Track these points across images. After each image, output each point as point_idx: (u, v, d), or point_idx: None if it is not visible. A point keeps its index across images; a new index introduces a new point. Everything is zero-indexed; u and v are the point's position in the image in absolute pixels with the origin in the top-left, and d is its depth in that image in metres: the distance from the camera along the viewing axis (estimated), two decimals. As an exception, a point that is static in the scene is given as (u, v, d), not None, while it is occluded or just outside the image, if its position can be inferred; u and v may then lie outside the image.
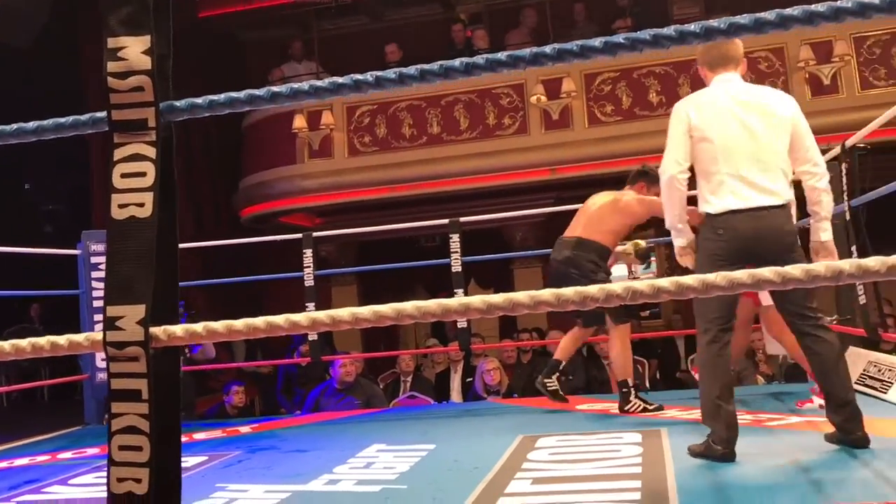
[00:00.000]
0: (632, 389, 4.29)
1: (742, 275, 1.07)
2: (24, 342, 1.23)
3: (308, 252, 5.77)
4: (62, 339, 1.24)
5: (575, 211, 4.68)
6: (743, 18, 1.11)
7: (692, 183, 3.13)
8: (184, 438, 4.41)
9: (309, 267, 5.75)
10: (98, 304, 5.27)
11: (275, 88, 1.26)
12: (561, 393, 4.61)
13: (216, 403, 7.18)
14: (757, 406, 4.10)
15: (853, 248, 4.33)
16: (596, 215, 4.44)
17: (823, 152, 4.83)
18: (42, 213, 14.21)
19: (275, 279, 7.78)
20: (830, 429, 3.06)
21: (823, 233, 3.10)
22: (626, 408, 4.25)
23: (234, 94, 1.26)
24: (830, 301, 5.12)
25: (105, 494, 1.17)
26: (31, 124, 1.34)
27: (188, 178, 10.67)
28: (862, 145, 4.40)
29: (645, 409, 4.21)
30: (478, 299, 1.12)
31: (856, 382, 4.28)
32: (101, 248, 5.46)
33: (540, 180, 9.17)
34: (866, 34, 8.45)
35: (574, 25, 10.03)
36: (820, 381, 3.10)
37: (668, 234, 3.32)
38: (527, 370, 7.14)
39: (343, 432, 4.58)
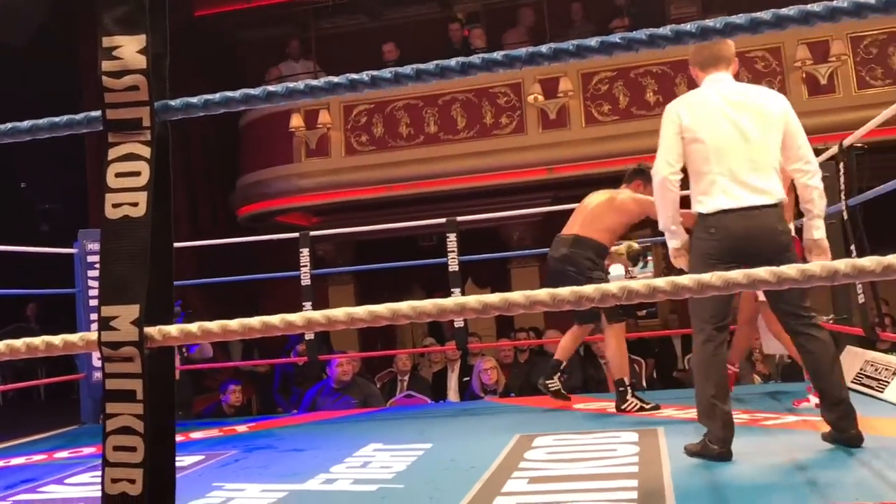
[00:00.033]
0: (628, 388, 4.30)
1: (737, 275, 1.07)
2: (19, 342, 1.23)
3: (305, 251, 5.77)
4: (57, 340, 1.23)
5: (572, 210, 4.70)
6: (739, 18, 1.11)
7: (685, 184, 3.14)
8: (180, 437, 4.43)
9: (305, 266, 5.74)
10: (94, 303, 5.25)
11: (271, 88, 1.26)
12: (563, 392, 4.64)
13: (213, 402, 7.18)
14: (754, 405, 4.10)
15: (852, 248, 4.33)
16: (593, 213, 4.47)
17: (820, 152, 4.85)
18: (38, 211, 14.17)
19: (271, 278, 7.77)
20: (827, 428, 3.07)
21: (816, 230, 3.11)
22: (622, 406, 4.25)
23: (229, 94, 1.26)
24: (827, 300, 5.13)
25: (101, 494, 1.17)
26: (26, 123, 1.33)
27: (185, 176, 10.66)
28: (859, 145, 4.40)
29: (642, 408, 4.22)
30: (473, 299, 1.12)
31: (852, 381, 4.29)
32: (97, 247, 5.43)
33: (537, 179, 9.18)
34: (863, 34, 8.47)
35: (571, 25, 10.04)
36: (814, 379, 3.11)
37: (664, 233, 3.33)
38: (524, 369, 7.15)
39: (340, 431, 4.57)
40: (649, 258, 10.43)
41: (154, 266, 1.19)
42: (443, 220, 5.77)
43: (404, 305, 1.14)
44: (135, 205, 1.19)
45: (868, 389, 4.13)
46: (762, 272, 1.07)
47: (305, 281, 5.74)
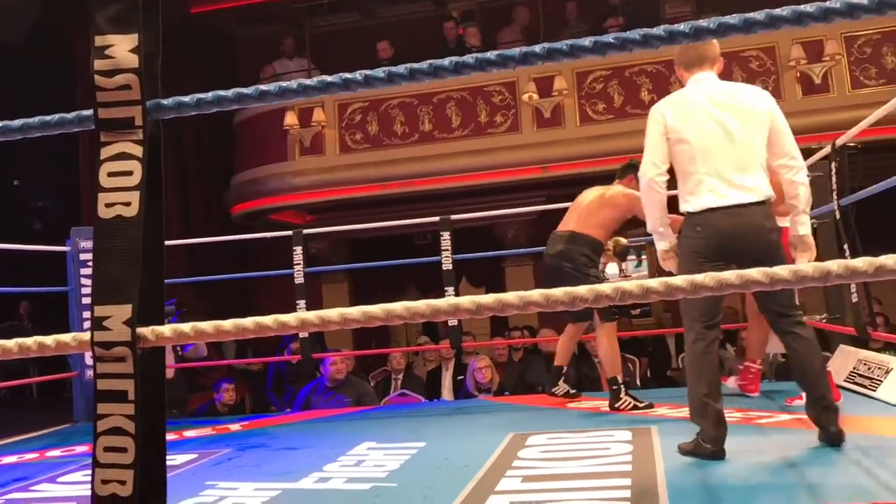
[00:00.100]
0: (622, 386, 4.31)
1: (730, 275, 1.07)
2: (11, 343, 1.22)
3: (298, 249, 5.76)
4: (49, 340, 1.23)
5: (566, 209, 4.72)
6: (732, 18, 1.11)
7: (672, 184, 3.14)
8: (174, 436, 4.42)
9: (299, 264, 5.74)
10: (87, 301, 5.24)
11: (263, 87, 1.26)
12: (572, 392, 4.73)
13: (206, 401, 7.16)
14: (747, 404, 4.11)
15: (845, 247, 4.33)
16: (587, 210, 4.50)
17: (814, 151, 4.87)
18: (31, 209, 14.14)
19: (265, 276, 7.75)
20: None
21: (801, 227, 3.11)
22: (616, 405, 4.26)
23: (222, 93, 1.26)
24: (820, 299, 5.14)
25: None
26: (17, 122, 1.33)
27: (179, 174, 10.65)
28: (852, 144, 4.41)
29: (635, 407, 4.22)
30: (467, 300, 1.12)
31: (845, 380, 4.30)
32: (90, 244, 5.42)
33: (531, 178, 9.18)
34: (857, 34, 8.49)
35: (566, 24, 10.04)
36: (798, 377, 3.14)
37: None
38: (518, 368, 7.15)
39: (333, 430, 4.57)
40: (643, 257, 10.44)
41: (146, 266, 1.18)
42: (437, 218, 5.77)
43: (398, 306, 1.13)
44: (127, 204, 1.19)
45: (861, 388, 4.14)
46: (755, 273, 1.07)
47: (299, 279, 5.73)
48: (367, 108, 9.56)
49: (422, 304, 1.15)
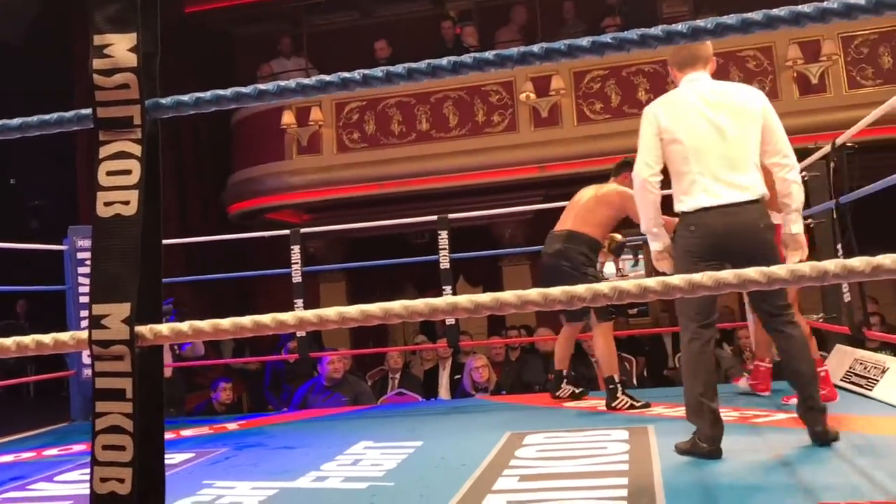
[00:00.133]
0: (618, 385, 4.31)
1: (728, 275, 1.08)
2: (9, 341, 1.22)
3: (296, 248, 5.76)
4: (47, 338, 1.23)
5: (563, 208, 4.72)
6: (730, 19, 1.11)
7: (666, 184, 3.15)
8: (171, 435, 4.42)
9: (297, 263, 5.73)
10: (84, 300, 5.24)
11: (262, 86, 1.26)
12: (577, 392, 4.72)
13: (204, 400, 7.16)
14: (744, 403, 4.11)
15: (838, 247, 4.34)
16: (584, 208, 4.52)
17: (810, 151, 4.88)
18: (28, 208, 14.12)
19: (263, 276, 7.75)
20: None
21: (794, 225, 3.12)
22: (613, 404, 4.27)
23: (220, 92, 1.26)
24: (818, 300, 5.15)
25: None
26: (16, 121, 1.33)
27: (176, 174, 10.63)
28: (850, 144, 4.42)
29: (632, 406, 4.23)
30: (465, 299, 1.12)
31: (842, 379, 4.31)
32: (87, 243, 5.43)
33: (529, 178, 9.18)
34: (854, 34, 8.50)
35: (563, 23, 10.04)
36: (787, 376, 3.16)
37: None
38: (515, 367, 7.15)
39: (330, 429, 4.57)
40: (640, 256, 10.45)
41: (144, 264, 1.18)
42: (434, 217, 5.77)
43: (397, 305, 1.14)
44: (126, 203, 1.19)
45: (857, 388, 4.15)
46: (753, 272, 1.07)
47: (297, 278, 5.73)
48: (365, 108, 9.56)
49: (420, 303, 1.15)
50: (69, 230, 5.70)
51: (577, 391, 4.71)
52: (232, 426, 4.85)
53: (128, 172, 1.20)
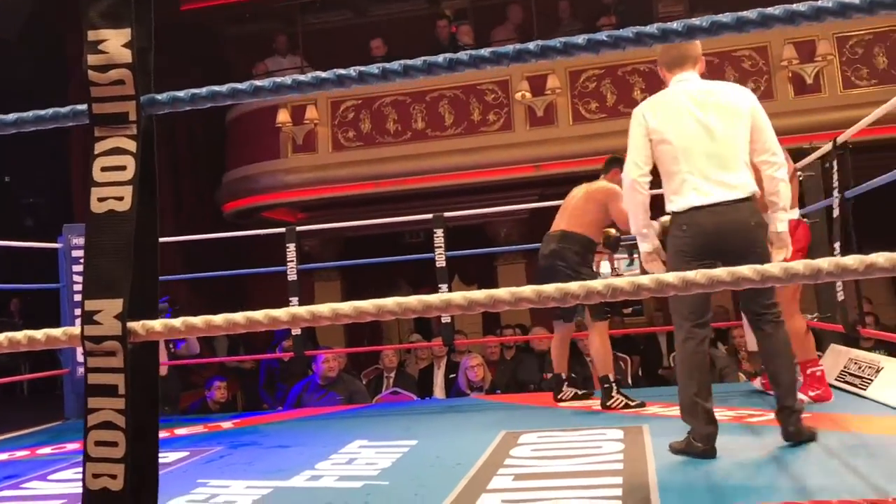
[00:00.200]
0: (613, 385, 4.31)
1: (722, 272, 1.08)
2: (1, 337, 1.22)
3: (291, 246, 5.75)
4: (39, 334, 1.23)
5: (558, 207, 4.73)
6: (725, 17, 1.11)
7: (655, 185, 3.15)
8: (165, 434, 4.41)
9: (292, 261, 5.73)
10: (79, 298, 5.22)
11: (258, 82, 1.26)
12: (580, 393, 4.71)
13: (198, 399, 7.15)
14: (738, 403, 4.12)
15: (835, 245, 4.35)
16: (576, 208, 4.55)
17: (805, 151, 4.88)
18: (22, 206, 14.07)
19: (257, 274, 7.73)
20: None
21: (780, 223, 3.12)
22: (608, 403, 4.27)
23: (216, 88, 1.26)
24: (812, 299, 5.16)
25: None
26: (11, 116, 1.32)
27: (171, 172, 10.61)
28: (839, 145, 4.43)
29: (627, 405, 4.24)
30: (459, 296, 1.12)
31: (836, 379, 4.32)
32: (82, 241, 5.41)
33: (524, 177, 9.18)
34: (849, 34, 8.52)
35: (559, 23, 10.05)
36: (768, 374, 3.18)
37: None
38: (510, 366, 7.16)
39: (325, 428, 4.57)
40: (635, 256, 10.45)
41: (139, 261, 1.18)
42: (430, 216, 5.77)
43: (390, 301, 1.13)
44: (120, 199, 1.19)
45: (851, 387, 4.16)
46: (746, 270, 1.07)
47: (292, 276, 5.72)
48: (360, 106, 9.55)
49: (413, 300, 1.15)
50: (63, 228, 5.69)
51: (579, 393, 4.70)
52: (226, 425, 4.84)
53: (122, 168, 1.20)
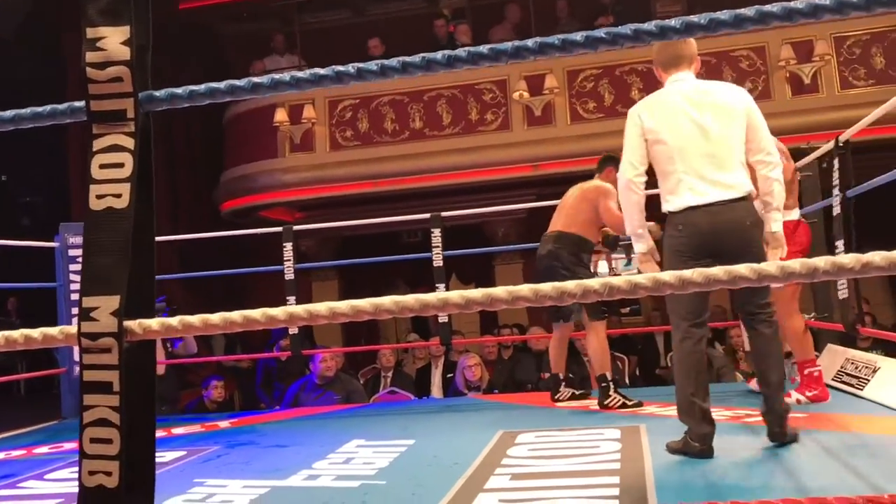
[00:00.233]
0: (611, 384, 4.32)
1: (718, 271, 1.08)
2: (-2, 335, 1.22)
3: (288, 245, 5.75)
4: (36, 333, 1.23)
5: (556, 207, 4.73)
6: (723, 14, 1.11)
7: (650, 185, 3.16)
8: (162, 433, 4.41)
9: (289, 261, 5.72)
10: (76, 297, 5.22)
11: (256, 79, 1.26)
12: (578, 393, 4.70)
13: (196, 398, 7.14)
14: (735, 402, 4.12)
15: (837, 244, 4.34)
16: (571, 208, 4.56)
17: (803, 151, 4.88)
18: (19, 205, 14.05)
19: (255, 273, 7.73)
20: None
21: (774, 223, 3.12)
22: (605, 402, 4.27)
23: (214, 85, 1.26)
24: (809, 298, 5.16)
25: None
26: (9, 113, 1.32)
27: (168, 171, 10.60)
28: (842, 144, 4.43)
29: (624, 405, 4.24)
30: (456, 294, 1.12)
31: (833, 379, 4.32)
32: (79, 240, 5.40)
33: (522, 176, 9.18)
34: (846, 34, 8.53)
35: (557, 22, 10.05)
36: (756, 372, 3.18)
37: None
38: (507, 366, 7.15)
39: (322, 427, 4.56)
40: (633, 256, 10.46)
41: (136, 258, 1.18)
42: (427, 215, 5.77)
43: (387, 300, 1.13)
44: (118, 196, 1.19)
45: (848, 387, 4.16)
46: (743, 269, 1.07)
47: (289, 276, 5.72)
48: (358, 106, 9.55)
49: (410, 299, 1.15)
50: (60, 227, 5.68)
51: (577, 393, 4.69)
52: (224, 424, 4.84)
53: (120, 165, 1.20)
